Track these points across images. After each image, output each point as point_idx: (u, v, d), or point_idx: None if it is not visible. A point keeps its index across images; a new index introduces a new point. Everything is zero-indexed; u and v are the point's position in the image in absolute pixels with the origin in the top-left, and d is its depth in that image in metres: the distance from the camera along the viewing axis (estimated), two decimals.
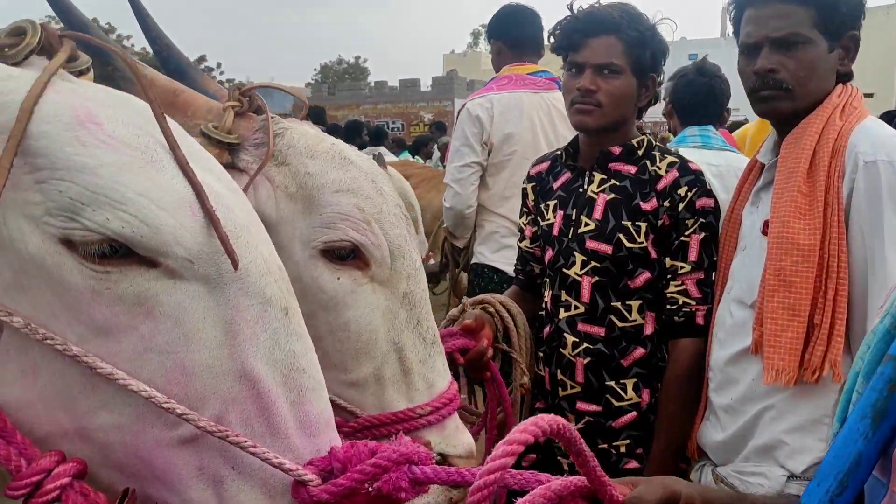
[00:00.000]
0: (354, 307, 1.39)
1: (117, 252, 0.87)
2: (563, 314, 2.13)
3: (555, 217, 2.18)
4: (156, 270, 0.89)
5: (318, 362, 1.39)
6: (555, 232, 2.17)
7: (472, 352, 1.92)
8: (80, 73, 1.00)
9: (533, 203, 2.30)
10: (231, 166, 1.36)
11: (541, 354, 2.21)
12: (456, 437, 1.48)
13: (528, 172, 2.35)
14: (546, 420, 0.85)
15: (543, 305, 2.22)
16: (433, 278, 6.10)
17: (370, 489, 0.93)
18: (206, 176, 0.98)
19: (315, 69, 45.36)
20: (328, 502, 0.91)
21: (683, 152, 3.32)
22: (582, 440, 0.93)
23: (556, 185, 2.23)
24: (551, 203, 2.21)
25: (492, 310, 2.11)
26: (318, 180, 1.38)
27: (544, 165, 2.31)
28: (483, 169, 3.65)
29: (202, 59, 37.13)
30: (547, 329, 2.18)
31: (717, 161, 2.97)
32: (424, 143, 11.00)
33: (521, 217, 2.38)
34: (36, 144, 0.84)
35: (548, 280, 2.20)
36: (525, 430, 0.82)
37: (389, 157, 8.94)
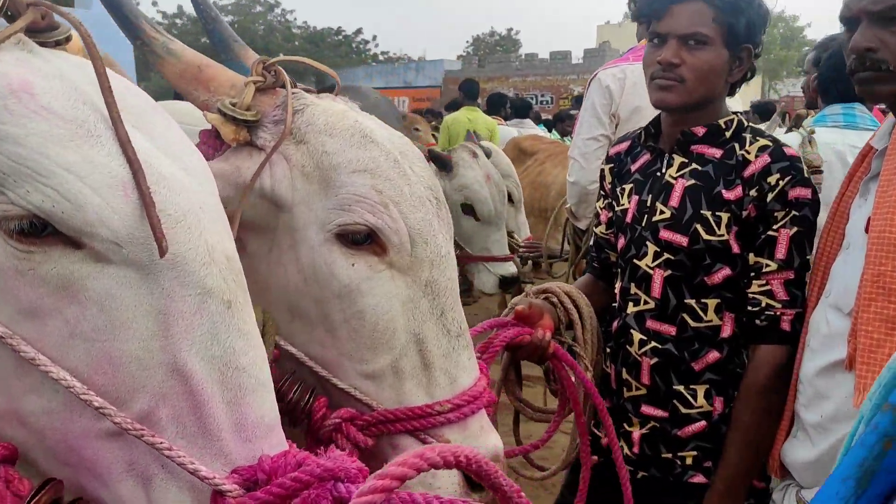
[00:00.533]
0: (370, 295, 1.31)
1: (41, 230, 0.83)
2: (631, 308, 1.96)
3: (629, 202, 2.00)
4: (81, 252, 0.85)
5: (323, 355, 1.34)
6: (628, 219, 1.99)
7: (527, 342, 1.80)
8: (57, 44, 0.98)
9: (610, 186, 2.13)
10: (250, 144, 1.33)
11: (608, 350, 2.05)
12: (479, 439, 1.38)
13: (608, 152, 2.17)
14: (437, 451, 0.72)
15: (614, 297, 2.05)
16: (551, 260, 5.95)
17: None
18: (158, 156, 0.92)
19: (467, 41, 45.43)
20: None
21: (820, 133, 3.01)
22: (500, 474, 0.79)
23: (633, 168, 2.04)
24: (627, 187, 2.03)
25: (555, 300, 1.97)
26: (335, 159, 1.30)
27: (624, 146, 2.13)
28: (610, 143, 3.44)
29: (359, 31, 38.19)
30: (615, 323, 2.02)
31: (861, 142, 2.63)
32: (563, 119, 10.69)
33: (597, 200, 2.21)
34: None
35: (618, 271, 2.03)
36: (405, 462, 0.70)
37: (533, 130, 8.79)
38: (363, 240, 1.30)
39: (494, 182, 3.85)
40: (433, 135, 9.04)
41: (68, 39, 0.99)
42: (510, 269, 3.92)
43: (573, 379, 1.86)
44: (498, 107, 9.55)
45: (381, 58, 39.52)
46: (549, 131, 10.21)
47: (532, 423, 2.08)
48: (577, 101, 12.35)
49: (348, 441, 1.33)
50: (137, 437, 0.84)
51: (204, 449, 0.86)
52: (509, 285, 3.94)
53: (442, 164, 3.68)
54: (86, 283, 0.85)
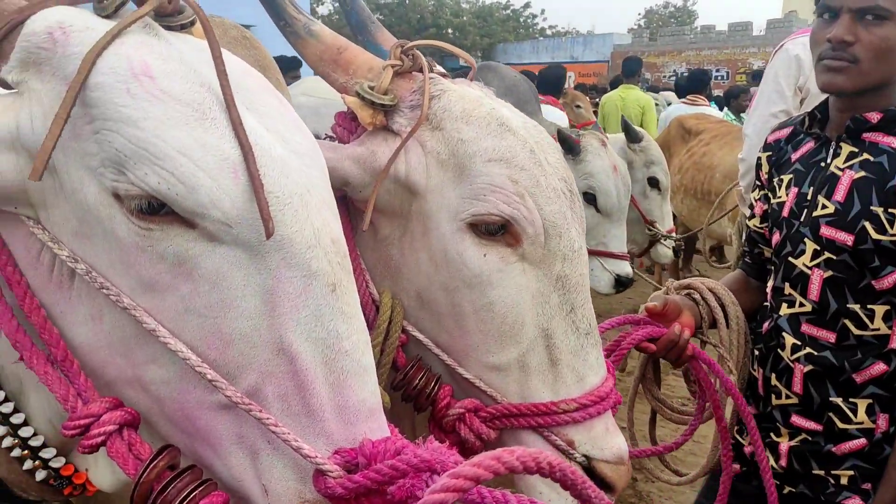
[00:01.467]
0: (501, 287, 1.28)
1: (158, 210, 0.87)
2: (784, 310, 1.80)
3: (787, 195, 1.83)
4: (194, 231, 0.88)
5: (450, 344, 1.33)
6: (784, 212, 1.82)
7: (661, 340, 1.71)
8: (182, 27, 1.00)
9: (766, 176, 1.96)
10: (385, 128, 1.33)
11: (756, 353, 1.90)
12: (605, 440, 1.33)
13: (766, 139, 1.99)
14: (517, 455, 0.68)
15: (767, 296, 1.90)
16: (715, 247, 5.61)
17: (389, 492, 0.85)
18: (269, 138, 0.94)
19: (639, 13, 43.76)
20: (342, 497, 0.85)
21: None
22: (588, 484, 0.74)
23: (794, 157, 1.86)
24: (786, 178, 1.85)
25: (698, 297, 1.85)
26: (471, 147, 1.28)
27: (784, 132, 1.94)
28: None
29: (527, 5, 37.78)
30: (766, 325, 1.86)
31: None
32: (736, 95, 10.01)
33: (752, 191, 2.04)
34: (92, 95, 0.86)
35: (772, 268, 1.87)
36: (480, 464, 0.66)
37: (684, 108, 8.32)
38: (496, 230, 1.28)
39: (621, 174, 3.66)
40: (594, 111, 8.81)
41: (193, 23, 1.02)
42: (626, 268, 3.69)
43: (715, 383, 1.74)
44: (701, 86, 8.81)
45: (548, 32, 39.00)
46: (721, 109, 9.62)
47: (669, 424, 1.98)
48: (755, 76, 11.54)
49: (471, 431, 1.32)
50: (246, 412, 0.87)
51: (307, 428, 0.88)
52: (623, 286, 3.72)
53: (569, 146, 3.51)
54: (199, 262, 0.88)
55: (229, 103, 0.89)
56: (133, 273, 0.89)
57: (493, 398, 1.32)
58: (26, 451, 1.03)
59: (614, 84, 9.28)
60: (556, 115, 5.40)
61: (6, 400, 1.02)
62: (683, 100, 8.19)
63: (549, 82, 6.78)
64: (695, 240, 6.36)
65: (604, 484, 1.33)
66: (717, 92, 13.13)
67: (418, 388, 1.35)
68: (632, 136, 4.53)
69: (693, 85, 8.50)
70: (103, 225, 0.89)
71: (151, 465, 0.88)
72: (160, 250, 0.88)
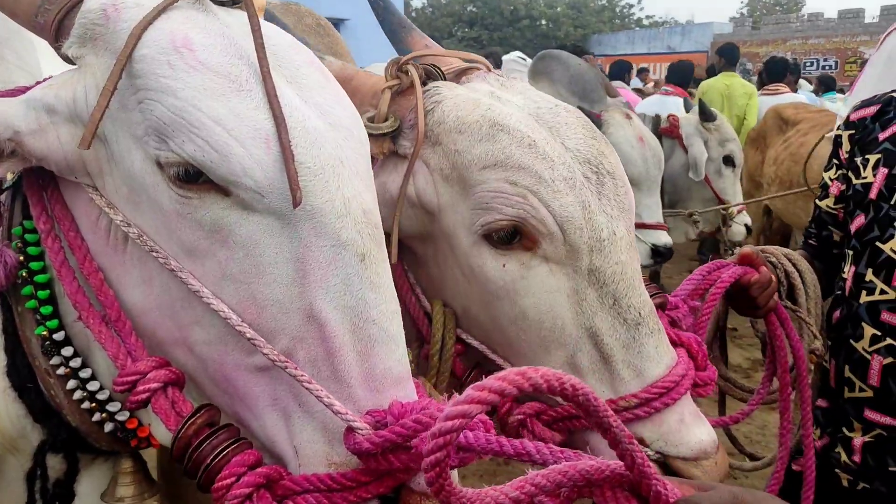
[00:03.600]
0: (528, 294, 1.25)
1: (196, 178, 0.91)
2: (864, 298, 1.71)
3: (874, 175, 1.73)
4: (229, 199, 0.92)
5: (502, 352, 1.30)
6: (871, 194, 1.72)
7: (757, 279, 1.62)
8: (234, 2, 1.04)
9: (847, 155, 1.86)
10: (395, 154, 1.32)
11: (828, 342, 1.81)
12: (680, 434, 1.23)
13: (847, 117, 1.89)
14: (541, 374, 0.66)
15: (838, 283, 1.80)
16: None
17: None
18: (305, 110, 0.96)
19: (742, 1, 42.04)
20: (369, 452, 0.87)
21: None
22: (611, 413, 0.73)
23: (882, 136, 1.76)
24: (872, 157, 1.75)
25: (775, 260, 1.78)
26: (466, 157, 1.26)
27: (870, 110, 1.84)
28: None
29: None
30: (838, 313, 1.78)
31: None
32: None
33: (827, 170, 1.94)
34: (137, 67, 0.91)
35: (850, 252, 1.78)
36: (505, 378, 0.65)
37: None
38: (510, 238, 1.25)
39: (649, 145, 3.58)
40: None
41: None
42: (663, 237, 3.58)
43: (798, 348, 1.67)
44: (781, 73, 8.45)
45: (645, 22, 38.04)
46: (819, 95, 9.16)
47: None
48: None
49: (534, 436, 1.27)
50: (282, 369, 0.90)
51: (335, 393, 0.90)
52: (663, 257, 3.60)
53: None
54: (233, 229, 0.92)
55: (265, 75, 0.92)
56: (175, 239, 0.94)
57: (556, 400, 1.27)
58: (94, 404, 1.10)
59: (710, 73, 8.94)
60: (672, 102, 5.64)
61: (75, 355, 1.08)
62: (763, 90, 7.84)
63: (676, 74, 7.18)
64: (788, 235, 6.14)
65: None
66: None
67: None
68: (706, 116, 4.51)
69: (774, 74, 8.13)
70: (148, 192, 0.94)
71: (190, 422, 0.93)
72: (198, 217, 0.92)
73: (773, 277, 1.67)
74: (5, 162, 0.98)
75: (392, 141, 1.30)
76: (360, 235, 0.95)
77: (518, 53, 6.70)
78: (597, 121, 3.41)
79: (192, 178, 0.91)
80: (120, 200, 0.97)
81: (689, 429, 1.24)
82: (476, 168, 1.24)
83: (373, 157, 1.31)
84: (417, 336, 1.38)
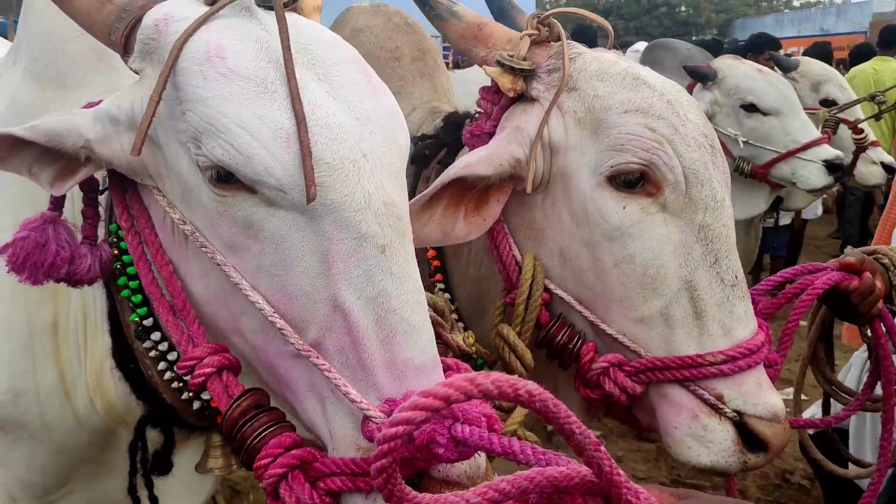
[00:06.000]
0: (641, 239, 1.32)
1: (228, 179, 0.98)
2: None
3: None
4: (256, 197, 0.98)
5: (593, 301, 1.36)
6: None
7: (860, 285, 1.57)
8: (285, 5, 1.08)
9: None
10: (524, 98, 1.42)
11: None
12: (757, 395, 1.31)
13: None
14: (492, 379, 0.66)
15: None
16: None
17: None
18: (331, 106, 1.00)
19: None
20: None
21: None
22: (574, 420, 0.71)
23: None
24: None
25: (887, 262, 1.68)
26: (606, 102, 1.35)
27: None
28: None
29: None
30: None
31: None
32: None
33: None
34: (179, 79, 0.99)
35: None
36: (452, 384, 0.65)
37: None
38: (635, 182, 1.32)
39: (770, 73, 3.34)
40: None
41: (294, 1, 1.11)
42: (829, 151, 3.24)
43: None
44: None
45: (796, 3, 35.74)
46: None
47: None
48: None
49: (615, 385, 1.35)
50: (305, 358, 0.96)
51: (360, 381, 0.95)
52: (838, 171, 3.24)
53: (702, 75, 3.32)
54: (262, 224, 0.98)
55: (289, 76, 0.97)
56: (218, 234, 1.02)
57: (637, 353, 1.34)
58: (182, 384, 1.21)
59: (859, 54, 8.23)
60: None
61: (163, 339, 1.20)
62: None
63: (814, 56, 6.54)
64: None
65: (757, 443, 1.30)
66: None
67: (561, 344, 1.40)
68: (783, 67, 4.10)
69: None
70: (194, 192, 1.02)
71: (236, 404, 1.01)
72: (233, 214, 0.99)
73: (880, 284, 1.59)
74: (84, 168, 1.10)
75: (524, 82, 1.41)
76: (381, 227, 0.98)
77: (639, 44, 6.53)
78: (709, 72, 3.34)
79: (225, 178, 0.98)
80: (177, 200, 1.06)
81: (766, 393, 1.32)
82: (616, 112, 1.34)
83: (502, 97, 1.43)
84: (505, 284, 1.47)
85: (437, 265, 1.63)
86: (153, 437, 1.38)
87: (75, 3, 1.11)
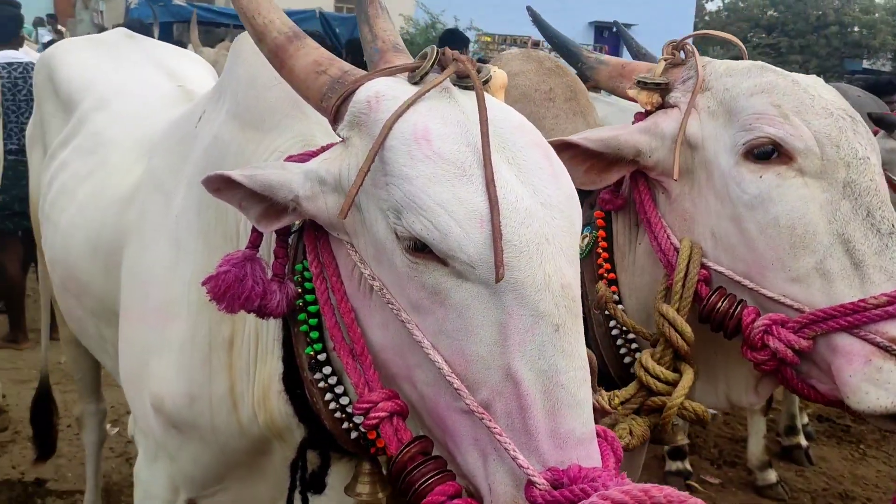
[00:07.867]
0: (781, 201, 1.42)
1: (422, 249, 1.08)
2: None
3: None
4: (447, 268, 1.07)
5: (747, 271, 1.49)
6: None
7: None
8: (485, 82, 1.19)
9: None
10: (662, 106, 1.61)
11: None
12: None
13: None
14: (664, 493, 0.72)
15: None
16: None
17: None
18: (519, 190, 1.08)
19: None
20: None
21: None
22: None
23: None
24: None
25: None
26: (734, 91, 1.52)
27: None
28: None
29: None
30: None
31: None
32: None
33: None
34: (386, 155, 1.09)
35: None
36: (628, 492, 0.73)
37: None
38: (769, 153, 1.44)
39: None
40: None
41: (489, 80, 1.23)
42: None
43: None
44: None
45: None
46: None
47: None
48: None
49: (780, 342, 1.41)
50: (479, 419, 1.05)
51: (523, 445, 1.03)
52: None
53: (888, 124, 3.59)
54: (450, 293, 1.08)
55: (486, 162, 1.06)
56: (405, 295, 1.12)
57: (799, 310, 1.41)
58: (344, 416, 1.33)
59: None
60: None
61: (332, 374, 1.32)
62: None
63: None
64: None
65: None
66: None
67: (722, 312, 1.49)
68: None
69: None
70: (387, 254, 1.12)
71: (406, 449, 1.11)
72: (423, 280, 1.09)
73: None
74: (289, 215, 1.23)
75: (660, 95, 1.58)
76: (557, 308, 1.05)
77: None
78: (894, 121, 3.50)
79: (420, 248, 1.07)
80: (368, 257, 1.17)
81: None
82: (744, 97, 1.49)
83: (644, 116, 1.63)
84: (666, 270, 1.59)
85: (611, 278, 1.73)
86: (312, 459, 1.50)
87: (295, 70, 1.24)
